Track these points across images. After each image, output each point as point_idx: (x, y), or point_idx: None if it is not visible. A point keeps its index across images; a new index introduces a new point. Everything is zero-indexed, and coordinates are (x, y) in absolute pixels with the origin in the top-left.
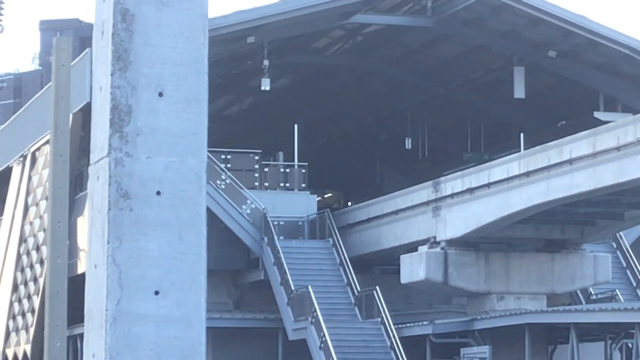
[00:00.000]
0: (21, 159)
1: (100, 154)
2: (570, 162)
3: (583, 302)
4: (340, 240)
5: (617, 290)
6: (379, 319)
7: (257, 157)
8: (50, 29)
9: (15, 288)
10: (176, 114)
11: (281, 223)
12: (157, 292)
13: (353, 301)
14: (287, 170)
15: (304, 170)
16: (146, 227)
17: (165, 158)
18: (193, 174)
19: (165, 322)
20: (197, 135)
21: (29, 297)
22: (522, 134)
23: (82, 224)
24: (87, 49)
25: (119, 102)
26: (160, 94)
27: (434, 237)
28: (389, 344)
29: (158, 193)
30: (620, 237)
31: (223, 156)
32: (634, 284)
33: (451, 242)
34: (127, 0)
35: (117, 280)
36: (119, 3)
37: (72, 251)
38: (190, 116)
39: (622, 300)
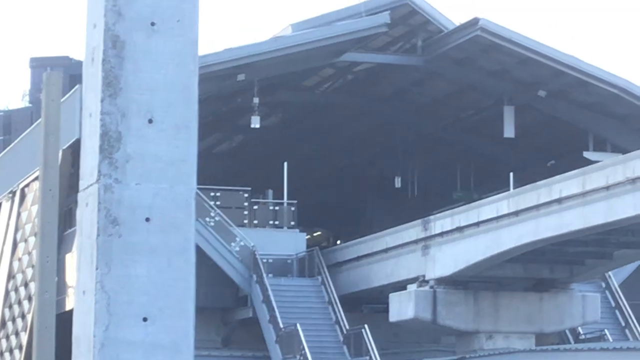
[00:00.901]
0: (10, 195)
1: (90, 180)
2: (559, 201)
3: (572, 341)
4: (329, 278)
5: (605, 330)
6: (368, 358)
7: (246, 195)
8: (40, 66)
9: (3, 324)
10: (166, 140)
11: (270, 261)
12: (145, 319)
13: (341, 339)
14: (277, 207)
15: (293, 208)
16: (135, 254)
17: (155, 185)
18: (182, 200)
19: (153, 348)
20: (186, 162)
21: (17, 334)
22: (511, 173)
23: (71, 260)
24: (77, 86)
25: (109, 129)
26: (150, 121)
27: (423, 276)
28: None
29: (147, 219)
30: (609, 276)
31: (212, 193)
32: (623, 324)
33: (440, 281)
34: (118, 27)
35: (106, 306)
36: (110, 30)
37: (61, 288)
38: (179, 143)
39: (611, 340)
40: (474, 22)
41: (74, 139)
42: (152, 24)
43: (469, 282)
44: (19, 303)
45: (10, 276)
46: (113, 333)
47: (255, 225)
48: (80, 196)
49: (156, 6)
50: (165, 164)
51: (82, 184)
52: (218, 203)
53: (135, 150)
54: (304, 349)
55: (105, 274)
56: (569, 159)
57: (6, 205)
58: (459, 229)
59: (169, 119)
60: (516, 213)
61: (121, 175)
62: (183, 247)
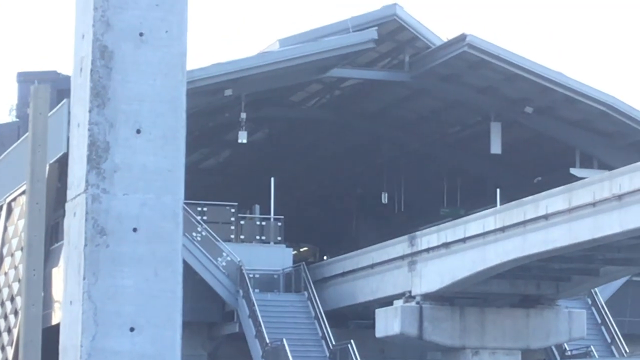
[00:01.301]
0: None
1: (77, 191)
2: (546, 217)
3: (558, 358)
4: (315, 294)
5: (591, 346)
6: None
7: (233, 210)
8: (27, 80)
9: None
10: (153, 150)
11: (257, 276)
12: (132, 329)
13: (328, 355)
14: (263, 223)
15: (280, 224)
16: (122, 264)
17: (142, 195)
18: (170, 211)
19: (140, 358)
20: (173, 172)
21: (3, 348)
22: (498, 189)
23: (57, 274)
24: (65, 100)
25: (97, 139)
26: (138, 131)
27: (410, 292)
28: None
29: (134, 230)
30: (596, 293)
31: (199, 208)
32: (609, 340)
33: (426, 297)
34: (106, 38)
35: (93, 316)
36: (98, 40)
37: (47, 302)
38: (167, 153)
39: (597, 357)
40: (461, 38)
41: (61, 153)
42: (141, 34)
43: (455, 297)
44: (5, 317)
45: None
46: (100, 343)
47: (242, 241)
48: (68, 206)
49: (144, 17)
50: (152, 175)
51: (70, 193)
52: (205, 218)
53: (123, 160)
54: None
55: (93, 284)
56: (556, 176)
57: None
58: (446, 244)
59: (157, 129)
60: (502, 229)
61: (109, 186)
62: (170, 257)
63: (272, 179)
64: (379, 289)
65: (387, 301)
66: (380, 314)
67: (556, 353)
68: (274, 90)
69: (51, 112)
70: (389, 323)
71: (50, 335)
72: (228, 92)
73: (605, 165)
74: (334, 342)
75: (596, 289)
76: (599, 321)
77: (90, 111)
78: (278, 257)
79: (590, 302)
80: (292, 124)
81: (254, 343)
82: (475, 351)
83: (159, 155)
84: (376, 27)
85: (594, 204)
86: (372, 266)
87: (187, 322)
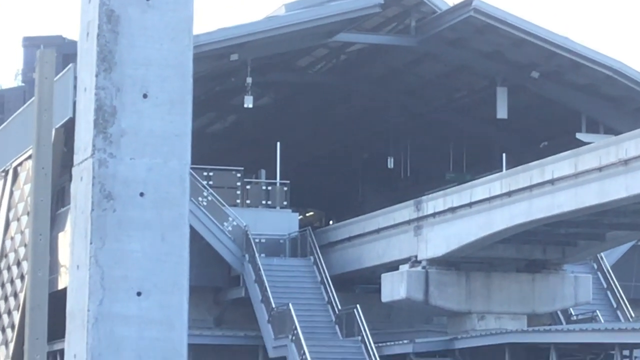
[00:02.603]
0: (3, 174)
1: (84, 155)
2: (552, 182)
3: (563, 322)
4: (321, 259)
5: (597, 311)
6: (360, 338)
7: (239, 175)
8: (33, 45)
9: None
10: (160, 115)
11: (262, 241)
12: (139, 293)
13: (334, 319)
14: (269, 188)
15: (285, 188)
16: (129, 228)
17: (149, 159)
18: (176, 175)
19: (147, 323)
20: (180, 137)
21: (9, 313)
22: (504, 154)
23: (64, 239)
24: (71, 64)
25: (104, 103)
26: (145, 96)
27: (415, 256)
28: None
29: (141, 194)
30: (601, 258)
31: (205, 173)
32: (615, 305)
33: (432, 262)
34: (113, 2)
35: (100, 280)
36: (105, 4)
37: (53, 267)
38: (174, 118)
39: (603, 321)
40: (468, 2)
41: (67, 118)
42: None
43: (461, 262)
44: (12, 282)
45: (3, 255)
46: (107, 307)
47: (248, 205)
48: (75, 171)
49: None
50: (159, 139)
51: (77, 158)
52: (211, 183)
53: (129, 125)
54: (296, 328)
55: (99, 248)
56: (562, 141)
57: None
58: (452, 209)
59: (164, 94)
60: (509, 194)
61: (115, 150)
62: (177, 222)
63: (278, 143)
64: (385, 253)
65: (393, 266)
66: (386, 278)
67: (562, 318)
68: (280, 55)
69: (57, 77)
70: (395, 288)
71: (57, 300)
72: (234, 57)
73: (612, 130)
74: (339, 307)
75: (602, 253)
76: (605, 286)
77: (97, 76)
78: (284, 222)
79: (596, 266)
80: (298, 89)
81: (260, 308)
82: (481, 316)
83: (165, 120)
84: None
85: (600, 169)
86: (378, 231)
87: (193, 287)
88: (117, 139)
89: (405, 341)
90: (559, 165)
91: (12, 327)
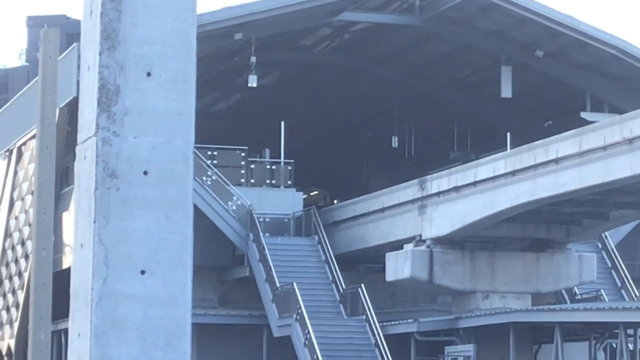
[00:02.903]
0: (7, 153)
1: (88, 134)
2: (556, 161)
3: (568, 301)
4: (325, 238)
5: (601, 290)
6: (364, 317)
7: (243, 154)
8: (37, 24)
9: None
10: (164, 94)
11: (267, 220)
12: (143, 272)
13: (338, 298)
14: (274, 167)
15: (290, 167)
16: (133, 207)
17: (153, 138)
18: (180, 154)
19: (151, 301)
20: (184, 115)
21: (14, 292)
22: (508, 134)
23: (68, 219)
24: (74, 44)
25: (107, 82)
26: (148, 74)
27: (420, 235)
28: (373, 341)
29: (145, 173)
30: (606, 237)
31: (209, 152)
32: (619, 284)
33: (437, 241)
34: None
35: (103, 259)
36: None
37: (57, 246)
38: (178, 96)
39: (607, 300)
40: None
41: (71, 97)
42: None
43: (465, 241)
44: (16, 261)
45: (7, 234)
46: (111, 286)
47: (252, 185)
48: (79, 149)
49: None
50: (163, 118)
51: (80, 137)
52: (215, 162)
53: (133, 103)
54: (300, 308)
55: (103, 227)
56: (566, 120)
57: (3, 163)
58: (456, 188)
59: (167, 72)
60: (513, 173)
61: (119, 129)
62: (180, 200)
63: (282, 122)
64: (389, 232)
65: (398, 245)
66: (390, 257)
67: (566, 297)
68: (284, 34)
69: (61, 56)
70: (399, 267)
71: (62, 279)
72: (238, 36)
73: (616, 109)
74: (344, 286)
75: (606, 232)
76: (609, 265)
77: (100, 54)
78: (288, 201)
79: (600, 245)
80: (302, 68)
81: (264, 287)
82: (486, 295)
83: (169, 99)
84: None
85: (604, 148)
86: (382, 210)
87: (197, 266)
88: (121, 118)
89: (409, 320)
90: (563, 144)
91: (17, 306)
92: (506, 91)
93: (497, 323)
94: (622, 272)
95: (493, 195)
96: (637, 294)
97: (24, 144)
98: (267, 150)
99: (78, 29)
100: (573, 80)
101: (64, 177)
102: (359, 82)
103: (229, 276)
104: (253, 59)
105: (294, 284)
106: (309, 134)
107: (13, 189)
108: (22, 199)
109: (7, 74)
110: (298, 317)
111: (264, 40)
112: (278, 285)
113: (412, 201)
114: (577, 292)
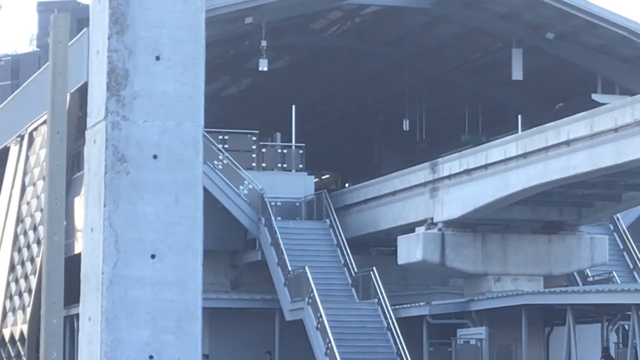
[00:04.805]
0: (18, 139)
1: (97, 118)
2: (567, 143)
3: (580, 283)
4: (337, 221)
5: (613, 272)
6: (376, 300)
7: (254, 138)
8: (48, 10)
9: (12, 268)
10: (173, 77)
11: (278, 204)
12: (153, 256)
13: (350, 282)
14: (285, 151)
15: (301, 151)
16: (143, 191)
17: (162, 122)
18: (190, 137)
19: (161, 285)
20: (193, 99)
21: (26, 277)
22: (519, 116)
23: (79, 204)
24: (85, 29)
25: (116, 66)
26: (157, 58)
27: (431, 218)
28: (385, 324)
29: (155, 157)
30: (618, 219)
31: (220, 137)
32: (631, 266)
33: (448, 223)
34: None
35: (114, 243)
36: None
37: (69, 231)
38: (187, 80)
39: (619, 282)
40: None
41: (81, 82)
42: None
43: (477, 224)
44: (28, 246)
45: (19, 220)
46: (121, 270)
47: (264, 168)
48: (88, 134)
49: None
50: (172, 101)
51: (90, 121)
52: (226, 146)
53: (142, 87)
54: (312, 291)
55: (113, 211)
56: (577, 102)
57: (14, 149)
58: (467, 171)
59: (177, 56)
60: (524, 155)
61: (129, 113)
62: (190, 184)
63: (293, 106)
64: (400, 215)
65: (409, 228)
66: (402, 240)
67: (578, 279)
68: (295, 18)
69: (71, 42)
70: (411, 250)
71: (73, 264)
72: (248, 20)
73: (627, 91)
74: (356, 270)
75: (618, 214)
76: (621, 247)
77: (109, 38)
78: (300, 185)
79: (612, 227)
80: (312, 52)
81: (276, 271)
82: (498, 277)
83: (178, 82)
84: None
85: (615, 130)
86: (393, 193)
87: (209, 251)
88: (130, 102)
89: (421, 303)
90: (574, 126)
91: (29, 291)
92: (517, 74)
93: (509, 306)
94: (634, 254)
95: (504, 177)
96: None
97: (36, 129)
98: (278, 134)
99: (88, 14)
100: (584, 62)
101: (75, 162)
102: (369, 65)
103: (241, 260)
104: (263, 42)
105: (306, 267)
106: (320, 118)
107: (25, 174)
108: (34, 185)
109: (18, 59)
110: (310, 300)
111: (275, 24)
112: (290, 269)
113: (424, 184)
114: (589, 274)
